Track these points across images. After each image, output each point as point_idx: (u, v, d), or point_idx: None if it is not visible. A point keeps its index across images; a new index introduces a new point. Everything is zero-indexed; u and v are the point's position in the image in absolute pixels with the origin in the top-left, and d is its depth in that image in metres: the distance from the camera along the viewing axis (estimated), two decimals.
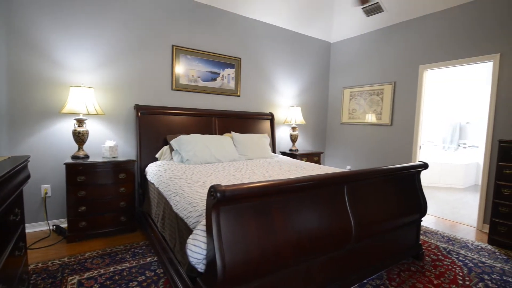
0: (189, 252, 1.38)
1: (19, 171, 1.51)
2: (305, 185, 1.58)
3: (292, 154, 4.32)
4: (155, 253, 2.40)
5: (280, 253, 1.45)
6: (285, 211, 1.53)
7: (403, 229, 2.31)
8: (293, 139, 4.57)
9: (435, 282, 2.12)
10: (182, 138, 3.12)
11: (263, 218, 1.44)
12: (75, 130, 2.78)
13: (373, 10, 4.07)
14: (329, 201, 1.75)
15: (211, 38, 3.83)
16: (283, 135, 4.78)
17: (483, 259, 2.53)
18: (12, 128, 2.71)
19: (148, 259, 2.33)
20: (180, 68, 3.60)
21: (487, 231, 3.11)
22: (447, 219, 3.68)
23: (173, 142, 3.13)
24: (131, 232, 2.90)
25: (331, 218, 1.72)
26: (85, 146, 3.00)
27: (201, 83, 3.79)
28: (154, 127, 3.33)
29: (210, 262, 1.31)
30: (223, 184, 1.54)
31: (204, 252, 1.37)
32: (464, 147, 6.77)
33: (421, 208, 2.39)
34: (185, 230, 1.70)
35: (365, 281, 2.09)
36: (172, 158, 3.14)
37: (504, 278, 2.22)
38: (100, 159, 2.77)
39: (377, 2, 3.90)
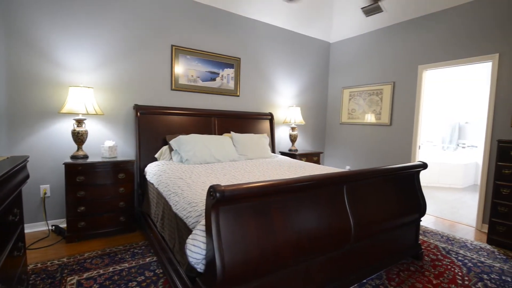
0: (188, 252, 1.38)
1: (18, 171, 1.50)
2: (305, 185, 1.58)
3: (291, 154, 4.33)
4: (155, 253, 2.40)
5: (279, 253, 1.45)
6: (284, 211, 1.53)
7: (402, 229, 2.31)
8: (293, 139, 4.57)
9: (434, 282, 2.12)
10: (182, 138, 3.12)
11: (262, 218, 1.44)
12: (74, 130, 2.77)
13: (372, 10, 4.07)
14: (329, 201, 1.75)
15: (210, 38, 3.83)
16: (282, 135, 4.78)
17: (482, 259, 2.53)
18: (11, 128, 2.71)
19: (147, 259, 2.33)
20: (180, 68, 3.60)
21: (486, 231, 3.12)
22: (446, 219, 3.68)
23: (172, 142, 3.12)
24: (130, 232, 2.90)
25: (331, 218, 1.72)
26: (84, 146, 2.99)
27: (200, 83, 3.79)
28: (153, 127, 3.33)
29: (210, 262, 1.31)
30: (222, 184, 1.54)
31: (204, 252, 1.37)
32: (463, 147, 6.78)
33: (420, 208, 2.39)
34: (185, 230, 1.70)
35: (365, 281, 2.09)
36: (171, 158, 3.14)
37: (503, 277, 2.22)
38: (99, 159, 2.77)
39: (376, 2, 3.90)
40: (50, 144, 2.90)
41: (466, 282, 2.13)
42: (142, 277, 2.06)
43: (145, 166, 3.12)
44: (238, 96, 4.16)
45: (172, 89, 3.57)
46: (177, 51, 3.56)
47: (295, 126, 4.59)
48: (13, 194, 1.38)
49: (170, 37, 3.51)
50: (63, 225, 2.92)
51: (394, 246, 2.27)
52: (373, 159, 4.57)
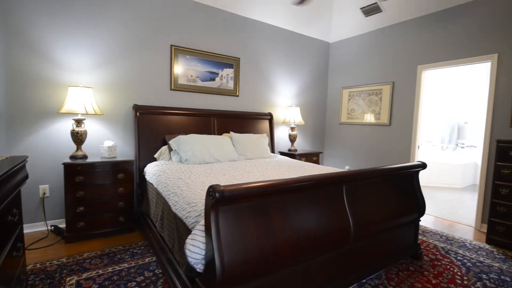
0: (187, 252, 1.38)
1: (17, 171, 1.50)
2: (304, 185, 1.58)
3: (291, 154, 4.33)
4: (154, 253, 2.40)
5: (279, 253, 1.45)
6: (284, 211, 1.53)
7: (402, 229, 2.31)
8: (292, 139, 4.57)
9: (433, 281, 2.13)
10: (181, 138, 3.12)
11: (262, 218, 1.44)
12: (73, 130, 2.77)
13: (371, 10, 4.08)
14: (328, 201, 1.75)
15: (210, 38, 3.83)
16: (282, 135, 4.78)
17: (481, 259, 2.54)
18: (10, 128, 2.70)
19: (146, 259, 2.33)
20: (179, 68, 3.60)
21: (485, 231, 3.12)
22: (446, 219, 3.69)
23: (171, 142, 3.12)
24: (129, 233, 2.90)
25: (330, 218, 1.72)
26: (83, 146, 2.99)
27: (200, 83, 3.78)
28: (152, 127, 3.33)
29: (209, 262, 1.31)
30: (222, 184, 1.54)
31: (203, 252, 1.37)
32: (462, 147, 6.79)
33: (420, 207, 2.39)
34: (184, 230, 1.70)
35: (364, 280, 2.09)
36: (171, 158, 3.14)
37: (502, 277, 2.23)
38: (98, 159, 2.77)
39: (376, 2, 3.90)
40: (49, 144, 2.89)
41: (465, 282, 2.13)
42: (142, 277, 2.06)
43: (145, 166, 3.12)
44: (238, 96, 4.16)
45: (171, 89, 3.57)
46: (177, 51, 3.56)
47: (294, 126, 4.59)
48: (12, 194, 1.38)
49: (170, 37, 3.51)
50: (62, 225, 2.92)
51: (393, 246, 2.28)
52: (372, 159, 4.57)
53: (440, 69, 3.81)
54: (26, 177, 1.70)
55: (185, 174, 2.51)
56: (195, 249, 1.37)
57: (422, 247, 2.73)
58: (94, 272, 2.12)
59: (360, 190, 1.95)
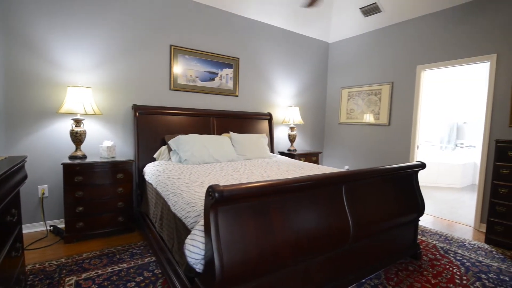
0: (187, 252, 1.38)
1: (16, 172, 1.50)
2: (303, 185, 1.58)
3: (290, 154, 4.33)
4: (153, 254, 2.39)
5: (278, 253, 1.46)
6: (283, 211, 1.53)
7: (401, 229, 2.32)
8: (291, 139, 4.57)
9: (432, 281, 2.13)
10: (180, 138, 3.12)
11: (261, 218, 1.44)
12: (72, 130, 2.77)
13: (371, 10, 4.08)
14: (327, 201, 1.75)
15: (209, 38, 3.83)
16: (281, 135, 4.78)
17: (480, 258, 2.54)
18: (9, 128, 2.70)
19: (146, 260, 2.33)
20: (178, 68, 3.60)
21: (484, 231, 3.13)
22: (445, 219, 3.69)
23: (171, 142, 3.12)
24: (129, 233, 2.90)
25: (329, 218, 1.72)
26: (82, 146, 2.98)
27: (199, 83, 3.78)
28: (152, 127, 3.33)
29: (208, 262, 1.31)
30: (221, 184, 1.54)
31: (202, 252, 1.37)
32: (461, 147, 6.80)
33: (419, 207, 2.40)
34: (183, 230, 1.70)
35: (363, 280, 2.09)
36: (170, 158, 3.14)
37: (501, 277, 2.23)
38: (97, 159, 2.76)
39: (375, 2, 3.91)
40: (48, 144, 2.89)
41: (464, 282, 2.14)
42: (141, 278, 2.05)
43: (144, 166, 3.11)
44: (237, 96, 4.16)
45: (171, 89, 3.57)
46: (176, 51, 3.55)
47: (294, 126, 4.59)
48: (11, 195, 1.38)
49: (169, 37, 3.51)
50: (62, 226, 2.91)
51: (392, 245, 2.28)
52: (371, 159, 4.58)
53: (439, 69, 3.82)
54: (25, 177, 1.70)
55: (185, 174, 2.51)
56: (195, 249, 1.37)
57: (421, 247, 2.74)
58: (93, 272, 2.11)
59: (360, 190, 1.95)
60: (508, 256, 2.61)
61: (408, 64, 4.06)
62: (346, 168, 4.96)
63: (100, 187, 2.72)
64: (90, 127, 3.07)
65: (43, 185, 2.89)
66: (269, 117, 4.39)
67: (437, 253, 2.63)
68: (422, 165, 2.40)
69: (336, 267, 1.84)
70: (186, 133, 3.49)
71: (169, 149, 3.19)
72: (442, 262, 2.45)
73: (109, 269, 2.16)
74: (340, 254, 1.84)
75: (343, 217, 1.78)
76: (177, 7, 3.54)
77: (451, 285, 2.09)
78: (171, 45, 3.51)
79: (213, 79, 3.90)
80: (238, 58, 4.10)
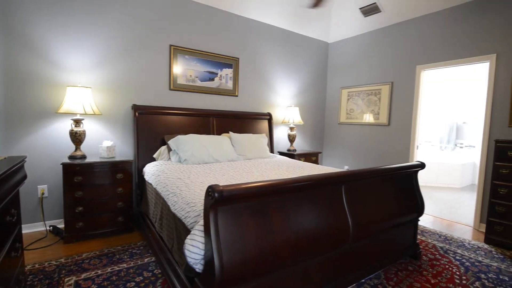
0: (187, 252, 1.38)
1: (15, 172, 1.50)
2: (303, 185, 1.58)
3: (290, 154, 4.33)
4: (153, 254, 2.39)
5: (278, 253, 1.46)
6: (283, 211, 1.53)
7: (401, 229, 2.32)
8: (291, 139, 4.57)
9: (432, 281, 2.13)
10: (180, 138, 3.12)
11: (261, 218, 1.44)
12: (72, 130, 2.76)
13: (371, 10, 4.08)
14: (327, 201, 1.75)
15: (209, 38, 3.82)
16: (281, 135, 4.78)
17: (480, 258, 2.55)
18: (8, 128, 2.70)
19: (145, 260, 2.33)
20: (178, 68, 3.59)
21: (484, 231, 3.13)
22: (444, 219, 3.70)
23: (171, 142, 3.12)
24: (128, 233, 2.89)
25: (329, 218, 1.72)
26: (82, 146, 2.98)
27: (199, 83, 3.78)
28: (152, 127, 3.32)
29: (208, 262, 1.31)
30: (221, 184, 1.54)
31: (202, 252, 1.37)
32: (461, 147, 6.81)
33: (419, 207, 2.40)
34: (183, 230, 1.70)
35: (363, 280, 2.09)
36: (170, 158, 3.14)
37: (501, 277, 2.23)
38: (97, 159, 2.76)
39: (375, 2, 3.91)
40: (47, 144, 2.89)
41: (464, 282, 2.14)
42: (141, 278, 2.05)
43: (144, 166, 3.11)
44: (237, 96, 4.16)
45: (170, 89, 3.57)
46: (176, 51, 3.55)
47: (293, 126, 4.59)
48: (11, 195, 1.38)
49: (169, 37, 3.51)
50: (61, 226, 2.91)
51: (392, 245, 2.28)
52: (371, 159, 4.58)
53: (439, 69, 3.82)
54: (25, 177, 1.70)
55: (184, 174, 2.51)
56: (194, 249, 1.37)
57: (421, 246, 2.74)
58: (93, 272, 2.11)
59: (359, 190, 1.95)
60: (507, 256, 2.61)
61: (407, 64, 4.06)
62: (345, 168, 4.96)
63: (99, 187, 2.72)
64: (90, 127, 3.07)
65: (42, 185, 2.89)
66: (269, 117, 4.39)
67: (436, 253, 2.63)
68: (422, 165, 2.40)
69: (335, 267, 1.84)
70: (185, 133, 3.49)
71: (169, 149, 3.19)
72: (442, 262, 2.45)
73: (109, 269, 2.16)
74: (340, 254, 1.84)
75: (342, 217, 1.79)
76: (177, 7, 3.54)
77: (451, 285, 2.09)
78: (171, 45, 3.51)
79: (212, 79, 3.90)
80: (238, 58, 4.10)
